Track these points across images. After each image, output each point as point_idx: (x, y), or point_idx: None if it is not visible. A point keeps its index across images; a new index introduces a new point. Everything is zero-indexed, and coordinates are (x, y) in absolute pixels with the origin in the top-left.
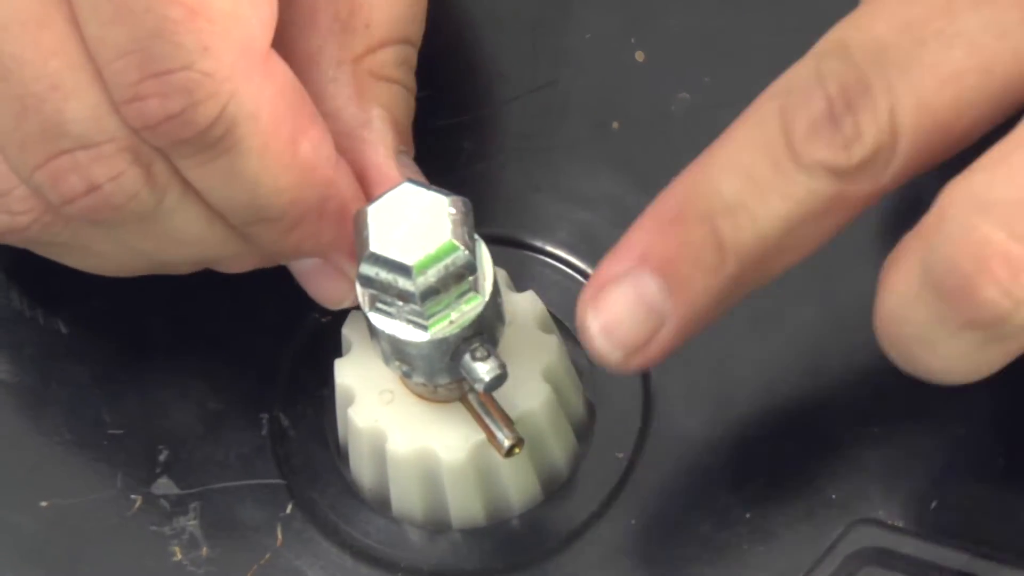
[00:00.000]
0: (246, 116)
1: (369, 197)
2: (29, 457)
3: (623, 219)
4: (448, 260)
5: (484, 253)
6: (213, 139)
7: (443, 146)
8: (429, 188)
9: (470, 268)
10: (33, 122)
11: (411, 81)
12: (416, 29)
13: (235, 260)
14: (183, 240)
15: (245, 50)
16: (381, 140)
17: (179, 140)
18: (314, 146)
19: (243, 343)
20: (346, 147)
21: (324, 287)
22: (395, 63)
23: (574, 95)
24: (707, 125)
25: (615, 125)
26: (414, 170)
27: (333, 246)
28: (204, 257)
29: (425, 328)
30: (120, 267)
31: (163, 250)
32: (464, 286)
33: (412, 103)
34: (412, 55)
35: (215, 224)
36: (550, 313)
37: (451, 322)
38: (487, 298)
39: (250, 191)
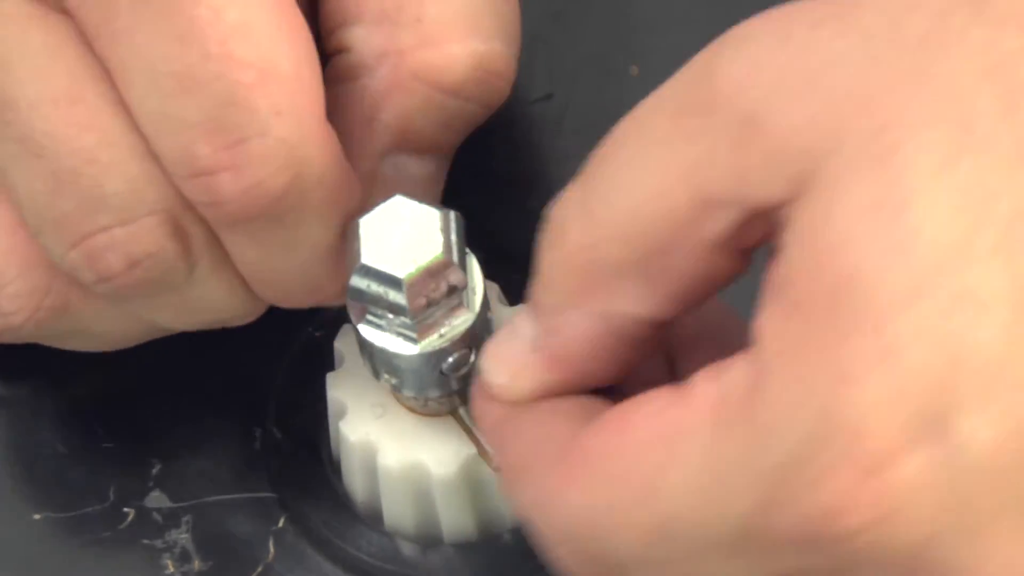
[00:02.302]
0: (315, 183)
1: None
2: (22, 470)
3: None
4: (439, 274)
5: (475, 268)
6: (282, 209)
7: None
8: (421, 202)
9: (461, 282)
10: (69, 199)
11: (473, 91)
12: (495, 23)
13: (240, 319)
14: (201, 309)
15: (311, 114)
16: (371, 140)
17: (249, 215)
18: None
19: (237, 356)
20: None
21: None
22: (454, 69)
23: (569, 109)
24: None
25: None
26: (404, 179)
27: None
28: (213, 322)
29: (415, 341)
30: (117, 342)
31: (175, 319)
32: (455, 300)
33: (465, 119)
34: (488, 58)
35: (237, 292)
36: None
37: (441, 336)
38: (477, 312)
39: (302, 264)
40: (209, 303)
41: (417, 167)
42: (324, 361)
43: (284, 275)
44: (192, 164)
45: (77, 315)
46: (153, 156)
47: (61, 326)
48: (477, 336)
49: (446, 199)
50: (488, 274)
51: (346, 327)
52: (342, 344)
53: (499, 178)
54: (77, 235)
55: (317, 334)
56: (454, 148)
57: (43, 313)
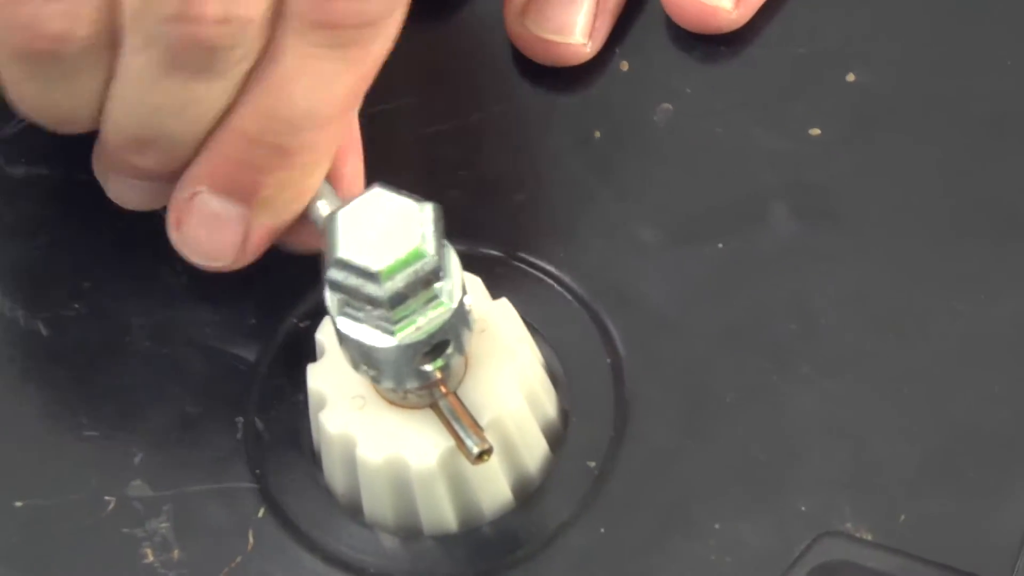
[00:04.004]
0: (393, 24)
1: None
2: (5, 457)
3: (603, 228)
4: (416, 266)
5: (453, 259)
6: (357, 38)
7: (424, 154)
8: (399, 193)
9: (437, 274)
10: None
11: None
12: None
13: None
14: (174, 118)
15: None
16: None
17: (344, 24)
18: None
19: (220, 347)
20: None
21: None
22: None
23: (557, 104)
24: (689, 135)
25: (597, 134)
26: None
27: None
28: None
29: (392, 334)
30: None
31: (144, 123)
32: (431, 292)
33: None
34: None
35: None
36: (524, 320)
37: (418, 328)
38: (455, 305)
39: (328, 101)
40: (195, 116)
41: None
42: (307, 351)
43: (298, 110)
44: None
45: (83, 65)
46: None
47: (59, 70)
48: (455, 328)
49: (431, 195)
50: (471, 268)
51: (328, 318)
52: (323, 335)
53: (484, 173)
54: None
55: (300, 324)
56: None
57: (82, 36)
